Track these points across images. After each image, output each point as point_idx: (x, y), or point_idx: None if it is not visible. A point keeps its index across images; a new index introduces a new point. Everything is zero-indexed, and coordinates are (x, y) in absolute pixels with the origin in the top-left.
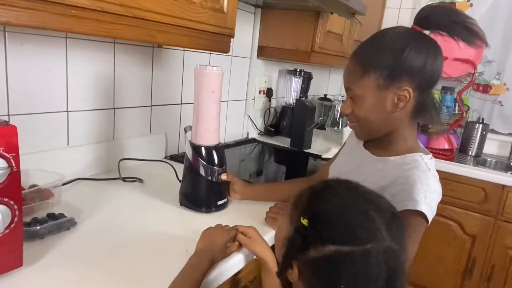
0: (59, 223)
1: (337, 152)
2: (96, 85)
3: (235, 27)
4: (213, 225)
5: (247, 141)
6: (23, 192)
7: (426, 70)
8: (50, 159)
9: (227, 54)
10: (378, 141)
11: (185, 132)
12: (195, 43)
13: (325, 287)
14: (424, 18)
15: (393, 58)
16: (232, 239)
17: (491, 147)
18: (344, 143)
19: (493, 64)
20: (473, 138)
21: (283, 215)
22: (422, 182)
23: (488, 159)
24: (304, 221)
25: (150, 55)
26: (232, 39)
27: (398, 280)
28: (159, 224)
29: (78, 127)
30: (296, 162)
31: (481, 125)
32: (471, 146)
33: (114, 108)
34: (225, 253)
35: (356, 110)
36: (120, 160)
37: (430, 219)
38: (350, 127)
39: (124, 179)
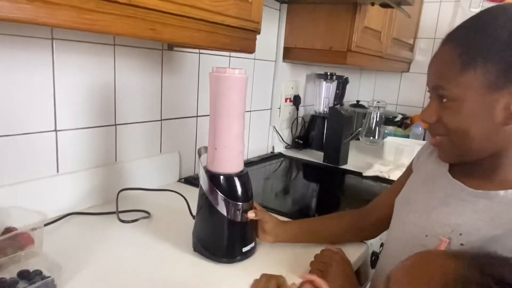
0: None
1: (400, 178)
2: (92, 97)
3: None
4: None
5: (272, 156)
6: None
7: None
8: (34, 191)
9: (249, 57)
10: (474, 167)
11: (199, 155)
12: (211, 41)
13: None
14: None
15: (510, 46)
16: None
17: None
18: (410, 167)
19: None
20: None
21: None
22: None
23: None
24: None
25: (159, 60)
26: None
27: None
28: (166, 280)
29: (70, 149)
30: (331, 179)
31: None
32: None
33: (115, 125)
34: None
35: (448, 118)
36: (120, 191)
37: None
38: (433, 144)
39: (121, 219)
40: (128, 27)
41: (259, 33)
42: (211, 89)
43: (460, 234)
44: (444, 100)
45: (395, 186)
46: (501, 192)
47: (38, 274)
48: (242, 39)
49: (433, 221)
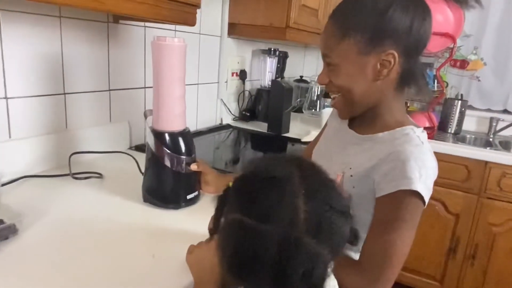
0: None
1: (318, 135)
2: (40, 67)
3: None
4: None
5: (221, 127)
6: None
7: (413, 32)
8: None
9: (195, 32)
10: (362, 118)
11: (145, 117)
12: (154, 13)
13: (220, 249)
14: None
15: (375, 18)
16: None
17: (470, 123)
18: (325, 126)
19: (470, 38)
20: (452, 115)
21: None
22: (415, 158)
23: (468, 135)
24: (230, 183)
25: (105, 32)
26: (199, 12)
27: (292, 270)
28: (120, 226)
29: (21, 116)
30: (274, 147)
31: (460, 102)
32: (451, 123)
33: (64, 94)
34: None
35: (334, 79)
36: (72, 154)
37: (427, 199)
38: (332, 105)
39: (75, 176)
40: None
41: (199, 7)
42: (153, 56)
43: (350, 168)
44: (329, 65)
45: (314, 141)
46: (380, 134)
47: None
48: (183, 12)
49: (333, 162)
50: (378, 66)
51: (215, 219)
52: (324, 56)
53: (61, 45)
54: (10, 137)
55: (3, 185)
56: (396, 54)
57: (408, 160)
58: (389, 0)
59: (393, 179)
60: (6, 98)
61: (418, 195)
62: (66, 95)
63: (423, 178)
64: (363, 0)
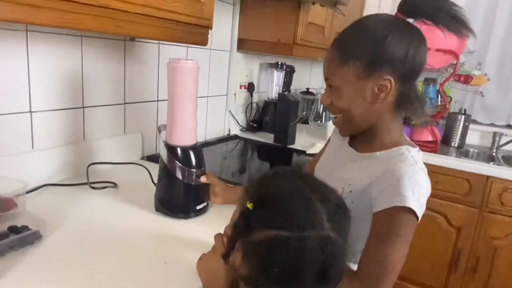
0: (21, 238)
1: (321, 150)
2: (63, 83)
3: (213, 17)
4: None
5: (229, 138)
6: None
7: (408, 60)
8: (12, 164)
9: (206, 47)
10: (362, 137)
11: (159, 131)
12: (168, 35)
13: (261, 270)
14: (409, 4)
15: (373, 46)
16: None
17: (473, 137)
18: (328, 142)
19: (473, 54)
20: (456, 129)
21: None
22: (409, 176)
23: (471, 150)
24: (249, 205)
25: (122, 49)
26: (210, 31)
27: (333, 268)
28: (134, 234)
29: (43, 128)
30: (280, 158)
31: (463, 116)
32: (454, 137)
33: (83, 107)
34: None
35: (335, 100)
36: (89, 165)
37: (420, 215)
38: (334, 124)
39: (92, 186)
40: (98, 24)
41: (211, 28)
42: (168, 77)
43: (349, 184)
44: (331, 87)
45: (317, 156)
46: (377, 153)
47: (25, 227)
48: (196, 33)
49: (334, 177)
50: (376, 90)
51: (231, 242)
52: (327, 79)
53: (81, 62)
54: (33, 148)
55: (27, 192)
56: (392, 80)
57: (402, 178)
58: (387, 29)
59: (388, 195)
60: (30, 112)
61: (411, 211)
62: (85, 108)
63: (416, 195)
64: (363, 29)
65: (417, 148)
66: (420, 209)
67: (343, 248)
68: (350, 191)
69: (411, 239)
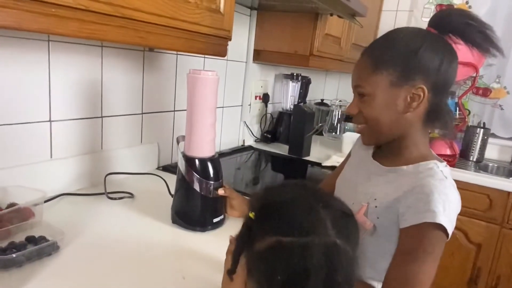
0: (39, 249)
1: (341, 163)
2: (82, 92)
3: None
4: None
5: (243, 148)
6: None
7: (442, 71)
8: (31, 173)
9: (223, 58)
10: (387, 150)
11: (177, 142)
12: (189, 46)
13: (265, 278)
14: (442, 18)
15: (408, 54)
16: None
17: (492, 152)
18: (349, 154)
19: (493, 67)
20: (474, 143)
21: None
22: (439, 192)
23: (490, 164)
24: (251, 214)
25: (140, 59)
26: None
27: (340, 276)
28: (151, 246)
29: (62, 138)
30: (295, 170)
31: (482, 130)
32: (473, 151)
33: (102, 117)
34: None
35: (365, 109)
36: (107, 175)
37: (450, 232)
38: (357, 132)
39: (109, 196)
40: (121, 35)
41: (230, 39)
42: (188, 88)
43: (375, 199)
44: (361, 96)
45: (338, 169)
46: (404, 167)
47: (43, 238)
48: (216, 45)
49: (358, 192)
50: (408, 99)
51: (236, 254)
52: (357, 87)
53: (101, 71)
54: (51, 157)
55: (45, 201)
56: (425, 89)
57: (432, 194)
58: (421, 40)
59: (417, 211)
60: (50, 121)
61: (441, 227)
62: (103, 118)
63: (447, 211)
64: (397, 38)
65: (445, 163)
66: (450, 226)
67: (351, 255)
68: (376, 206)
69: (440, 257)
